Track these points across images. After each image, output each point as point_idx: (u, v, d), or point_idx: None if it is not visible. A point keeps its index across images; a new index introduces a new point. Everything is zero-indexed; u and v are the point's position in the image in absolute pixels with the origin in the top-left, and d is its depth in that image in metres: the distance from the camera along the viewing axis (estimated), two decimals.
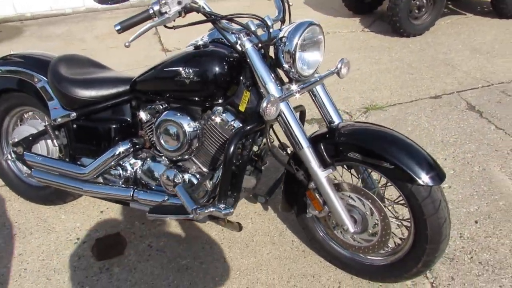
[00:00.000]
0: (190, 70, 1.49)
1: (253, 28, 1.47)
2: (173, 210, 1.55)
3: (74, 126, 1.84)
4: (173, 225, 2.07)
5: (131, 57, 4.44)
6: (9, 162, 2.23)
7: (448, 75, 3.61)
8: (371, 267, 1.64)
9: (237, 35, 1.46)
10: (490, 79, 3.46)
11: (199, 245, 1.95)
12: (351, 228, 1.49)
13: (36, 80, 1.89)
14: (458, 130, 2.74)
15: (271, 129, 1.67)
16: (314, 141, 1.48)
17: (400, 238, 1.58)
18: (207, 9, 1.42)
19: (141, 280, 1.78)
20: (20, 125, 2.18)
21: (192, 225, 2.06)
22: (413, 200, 1.35)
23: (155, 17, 1.35)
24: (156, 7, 1.33)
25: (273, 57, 1.46)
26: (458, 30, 4.80)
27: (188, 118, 1.59)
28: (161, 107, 1.73)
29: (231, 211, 1.44)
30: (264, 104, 1.31)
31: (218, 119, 1.59)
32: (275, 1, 1.65)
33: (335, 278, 1.73)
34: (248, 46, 1.43)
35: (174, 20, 1.38)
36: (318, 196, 1.53)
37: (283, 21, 1.63)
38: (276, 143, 1.76)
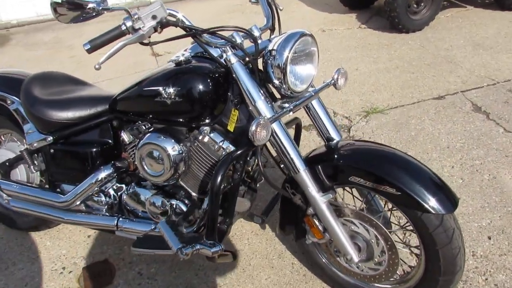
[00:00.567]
0: (171, 90, 1.35)
1: (239, 41, 1.33)
2: (160, 244, 1.42)
3: (52, 150, 1.70)
4: None
5: (120, 64, 4.29)
6: None
7: (451, 73, 3.46)
8: None
9: (222, 48, 1.32)
10: (495, 77, 3.30)
11: (192, 272, 1.81)
12: (355, 257, 1.35)
13: (9, 102, 1.75)
14: (465, 134, 2.59)
15: (264, 147, 1.53)
16: (311, 162, 1.35)
17: (410, 266, 1.45)
18: (187, 23, 1.28)
19: None
20: None
21: None
22: (423, 229, 1.22)
23: (129, 34, 1.21)
24: (129, 23, 1.19)
25: (263, 71, 1.32)
26: (459, 24, 4.63)
27: (172, 140, 1.45)
28: (144, 128, 1.59)
29: (220, 248, 1.31)
30: (253, 128, 1.17)
31: (205, 140, 1.45)
32: (262, 8, 1.51)
33: None
34: (234, 61, 1.29)
35: (149, 36, 1.24)
36: (317, 223, 1.40)
37: (272, 30, 1.49)
38: (271, 159, 1.63)
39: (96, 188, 1.65)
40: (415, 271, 1.39)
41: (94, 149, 1.64)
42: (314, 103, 1.49)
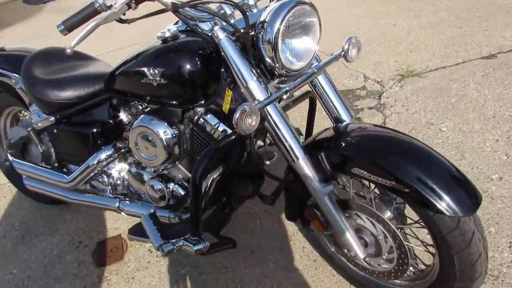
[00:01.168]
0: (156, 71, 1.23)
1: (229, 12, 1.16)
2: None
3: (55, 131, 1.68)
4: None
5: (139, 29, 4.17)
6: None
7: (508, 26, 2.98)
8: None
9: (210, 22, 1.16)
10: None
11: None
12: (360, 253, 1.22)
13: (13, 81, 1.73)
14: None
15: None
16: (314, 148, 1.19)
17: (424, 264, 1.29)
18: None
19: None
20: (15, 125, 2.07)
21: None
22: (436, 230, 1.05)
23: (104, 12, 1.09)
24: (101, 0, 1.07)
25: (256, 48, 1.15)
26: None
27: (166, 123, 1.36)
28: (140, 108, 1.51)
29: (204, 246, 1.23)
30: (237, 115, 1.03)
31: (200, 122, 1.34)
32: None
33: None
34: (222, 36, 1.13)
35: (124, 14, 1.11)
36: (319, 215, 1.27)
37: None
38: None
39: (98, 169, 1.62)
40: (430, 269, 1.24)
41: (95, 129, 1.60)
42: (321, 79, 1.31)
